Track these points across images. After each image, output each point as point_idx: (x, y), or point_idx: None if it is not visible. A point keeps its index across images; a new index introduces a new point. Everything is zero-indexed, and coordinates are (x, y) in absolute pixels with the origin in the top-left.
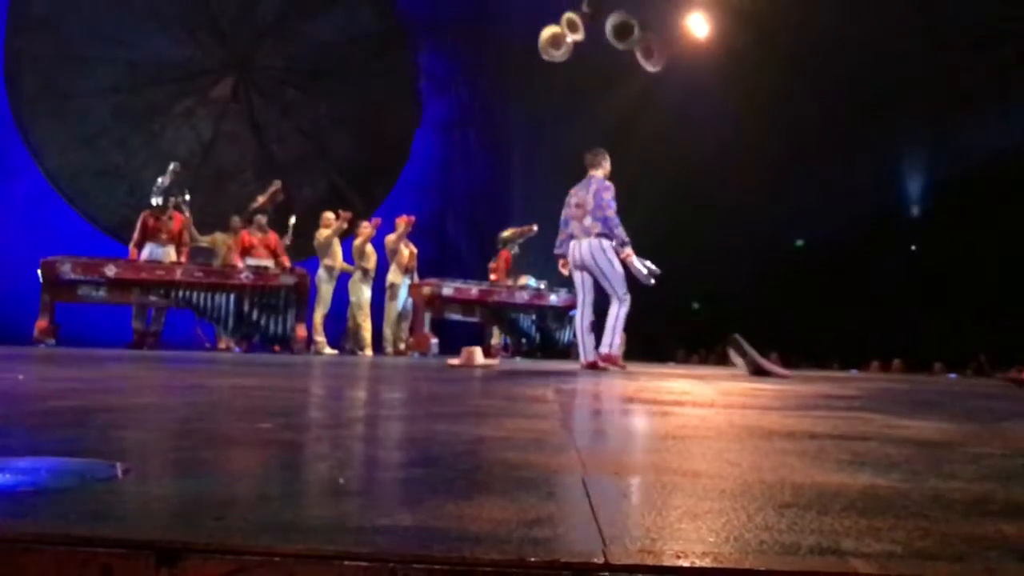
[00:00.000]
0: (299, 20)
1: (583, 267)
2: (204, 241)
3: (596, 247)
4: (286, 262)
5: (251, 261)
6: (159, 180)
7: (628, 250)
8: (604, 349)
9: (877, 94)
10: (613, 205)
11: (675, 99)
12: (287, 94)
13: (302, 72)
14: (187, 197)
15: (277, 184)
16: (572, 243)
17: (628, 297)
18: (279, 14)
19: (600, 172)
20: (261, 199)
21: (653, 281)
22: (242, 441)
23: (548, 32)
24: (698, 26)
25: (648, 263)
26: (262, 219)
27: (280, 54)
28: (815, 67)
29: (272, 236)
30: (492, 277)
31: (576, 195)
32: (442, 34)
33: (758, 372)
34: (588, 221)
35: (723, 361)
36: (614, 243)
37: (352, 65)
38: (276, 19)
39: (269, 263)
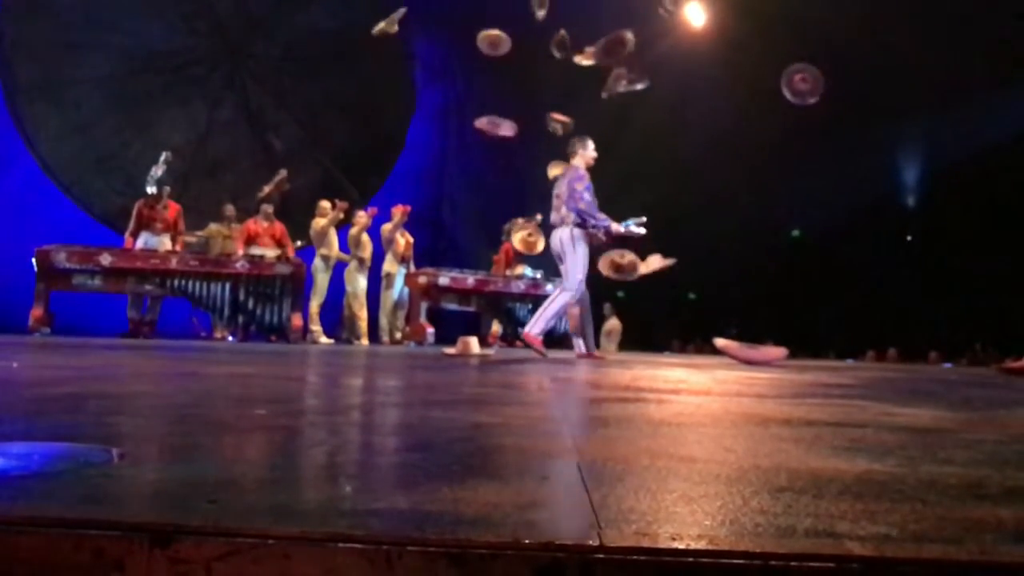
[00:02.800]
0: (294, 8)
1: (559, 257)
2: (200, 235)
3: (566, 236)
4: (291, 252)
5: (255, 250)
6: (152, 169)
7: (614, 227)
8: (528, 328)
9: (874, 84)
10: (586, 196)
11: (672, 89)
12: (282, 82)
13: (297, 60)
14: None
15: (283, 173)
16: (552, 233)
17: (577, 290)
18: (274, 2)
19: (579, 160)
20: (267, 188)
21: (644, 230)
22: (237, 427)
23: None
24: (695, 15)
25: (631, 221)
26: (269, 208)
27: (275, 42)
28: (812, 57)
29: (278, 226)
30: (495, 269)
31: (557, 185)
32: (437, 21)
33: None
34: (563, 211)
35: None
36: (597, 232)
37: (347, 53)
38: (271, 7)
39: (274, 252)
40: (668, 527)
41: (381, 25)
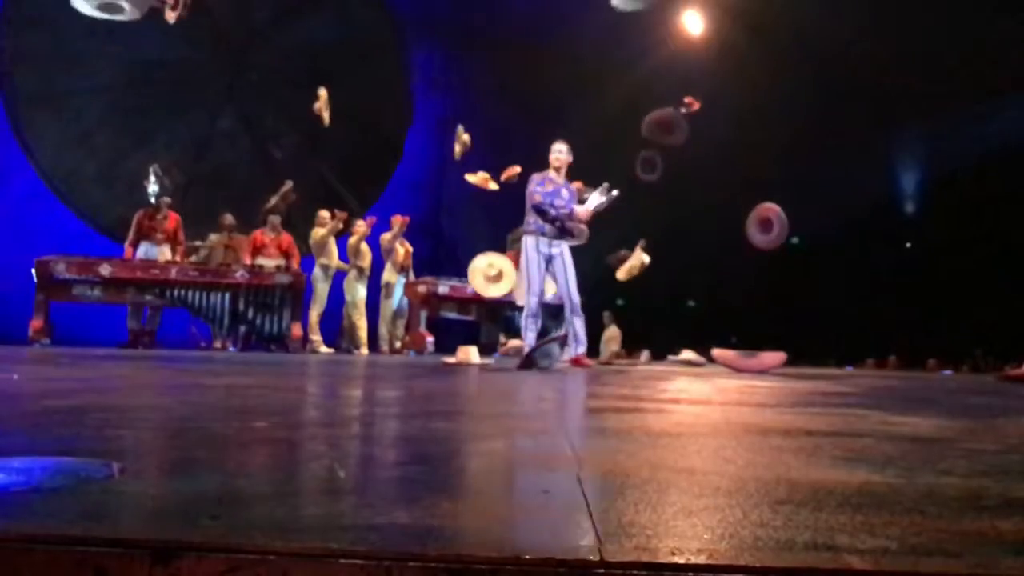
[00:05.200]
0: (293, 19)
1: None
2: (202, 245)
3: (522, 246)
4: (295, 264)
5: (261, 261)
6: (146, 184)
7: (578, 210)
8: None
9: (872, 92)
10: (537, 191)
11: (671, 96)
12: (281, 93)
13: (296, 71)
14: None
15: (288, 184)
16: None
17: (527, 301)
18: (274, 13)
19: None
20: (273, 200)
21: (615, 192)
22: (237, 440)
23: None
24: (693, 23)
25: (596, 193)
26: (276, 220)
27: (275, 53)
28: (810, 65)
29: (285, 237)
30: None
31: None
32: (436, 32)
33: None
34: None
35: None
36: (561, 218)
37: (346, 63)
38: (271, 18)
39: (279, 263)
40: (668, 541)
41: (322, 101)
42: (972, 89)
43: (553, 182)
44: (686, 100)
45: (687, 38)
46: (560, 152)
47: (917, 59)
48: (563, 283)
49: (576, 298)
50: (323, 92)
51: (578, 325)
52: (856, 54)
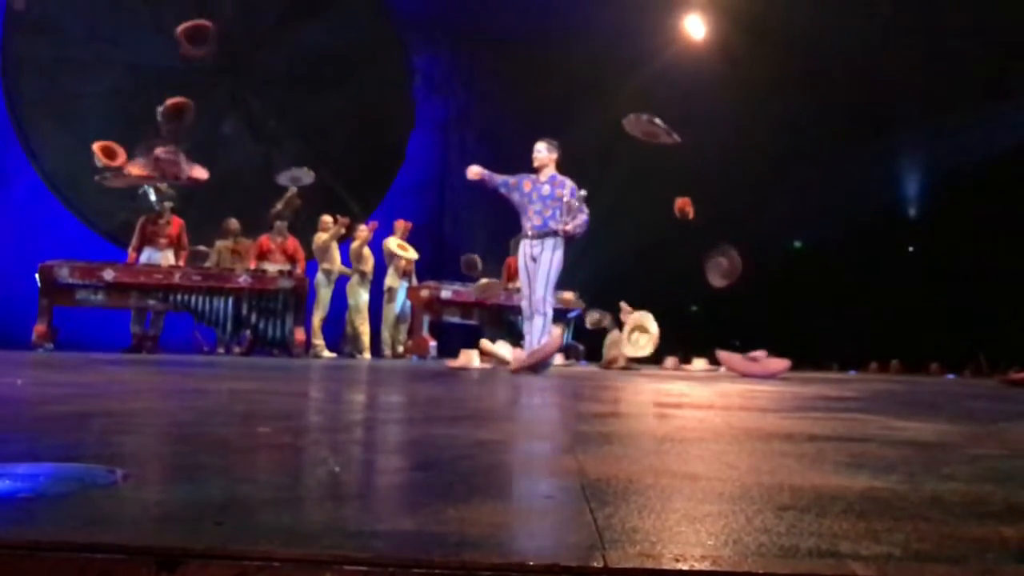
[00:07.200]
0: (296, 23)
1: None
2: (207, 250)
3: None
4: (301, 268)
5: (266, 266)
6: (144, 196)
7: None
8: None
9: (874, 95)
10: (504, 189)
11: (672, 100)
12: (284, 97)
13: (299, 75)
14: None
15: (293, 190)
16: None
17: (523, 304)
18: (276, 18)
19: None
20: (279, 205)
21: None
22: (241, 445)
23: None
24: (695, 27)
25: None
26: (282, 225)
27: (277, 57)
28: (812, 68)
29: (291, 241)
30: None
31: None
32: (437, 35)
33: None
34: None
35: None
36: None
37: (348, 67)
38: (273, 23)
39: (283, 268)
40: (672, 548)
41: (286, 197)
42: (975, 92)
43: (535, 182)
44: (683, 208)
45: (689, 42)
46: (539, 152)
47: (920, 62)
48: (530, 278)
49: (539, 296)
50: (293, 191)
51: (536, 324)
52: (859, 57)
